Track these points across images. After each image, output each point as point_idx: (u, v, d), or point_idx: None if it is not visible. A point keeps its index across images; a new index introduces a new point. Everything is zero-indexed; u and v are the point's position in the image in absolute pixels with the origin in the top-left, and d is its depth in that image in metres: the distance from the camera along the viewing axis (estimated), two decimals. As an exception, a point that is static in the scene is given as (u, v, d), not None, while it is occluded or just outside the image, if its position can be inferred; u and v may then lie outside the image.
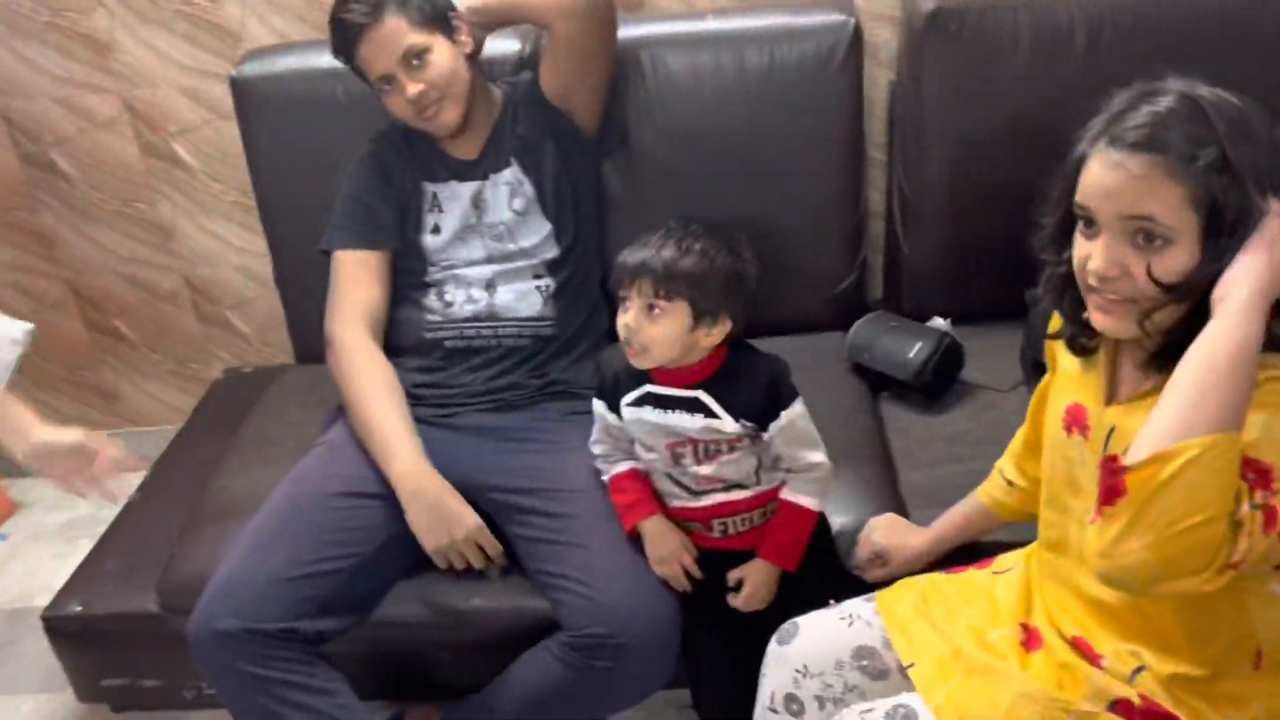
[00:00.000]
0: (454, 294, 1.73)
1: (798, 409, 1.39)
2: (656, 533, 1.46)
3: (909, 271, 2.00)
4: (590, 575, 1.45)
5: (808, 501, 1.43)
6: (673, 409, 1.40)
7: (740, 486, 1.44)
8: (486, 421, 1.65)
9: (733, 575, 1.47)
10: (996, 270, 1.93)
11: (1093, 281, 1.04)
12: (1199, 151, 0.97)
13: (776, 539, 1.44)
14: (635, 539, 1.49)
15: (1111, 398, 1.13)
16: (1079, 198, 1.05)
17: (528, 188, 1.72)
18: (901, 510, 1.64)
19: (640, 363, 1.38)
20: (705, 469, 1.42)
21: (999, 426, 1.72)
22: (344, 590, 1.51)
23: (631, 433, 1.46)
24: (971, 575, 1.34)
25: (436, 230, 1.74)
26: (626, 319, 1.35)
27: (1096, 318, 1.06)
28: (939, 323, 1.94)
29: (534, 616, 1.57)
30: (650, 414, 1.41)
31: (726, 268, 1.36)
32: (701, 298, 1.35)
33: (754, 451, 1.42)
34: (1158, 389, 1.01)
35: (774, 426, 1.38)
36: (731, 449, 1.40)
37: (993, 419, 1.77)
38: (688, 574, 1.46)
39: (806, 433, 1.40)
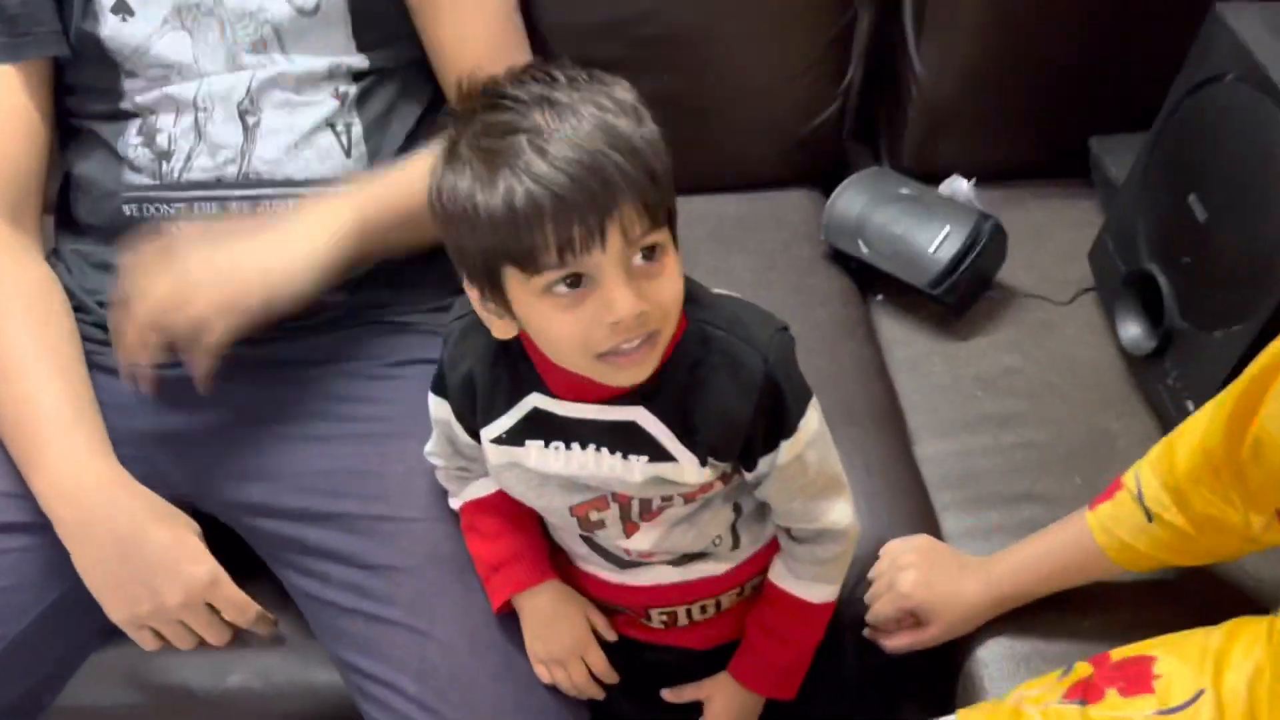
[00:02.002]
0: (174, 133, 0.95)
1: (811, 427, 0.74)
2: (542, 614, 0.83)
3: (922, 103, 1.32)
4: (434, 689, 0.81)
5: (819, 593, 0.82)
6: (585, 442, 0.73)
7: (703, 558, 0.81)
8: (247, 379, 0.92)
9: (684, 695, 0.86)
10: (1053, 105, 1.31)
11: None
12: None
13: (766, 655, 0.84)
14: (511, 616, 0.84)
15: None
16: None
17: None
18: (926, 511, 1.05)
19: (645, 368, 0.67)
20: (642, 540, 0.78)
21: (1062, 364, 1.16)
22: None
23: (503, 483, 0.79)
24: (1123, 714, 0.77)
25: (124, 11, 0.93)
26: (622, 304, 0.62)
27: None
28: (961, 187, 1.29)
29: (333, 699, 0.94)
30: (540, 456, 0.74)
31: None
32: (673, 193, 0.66)
33: (728, 498, 0.78)
34: None
35: (766, 463, 0.74)
36: (689, 501, 0.76)
37: (1049, 351, 1.17)
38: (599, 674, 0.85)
39: (823, 471, 0.77)
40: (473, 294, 0.68)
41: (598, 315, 0.62)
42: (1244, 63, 0.95)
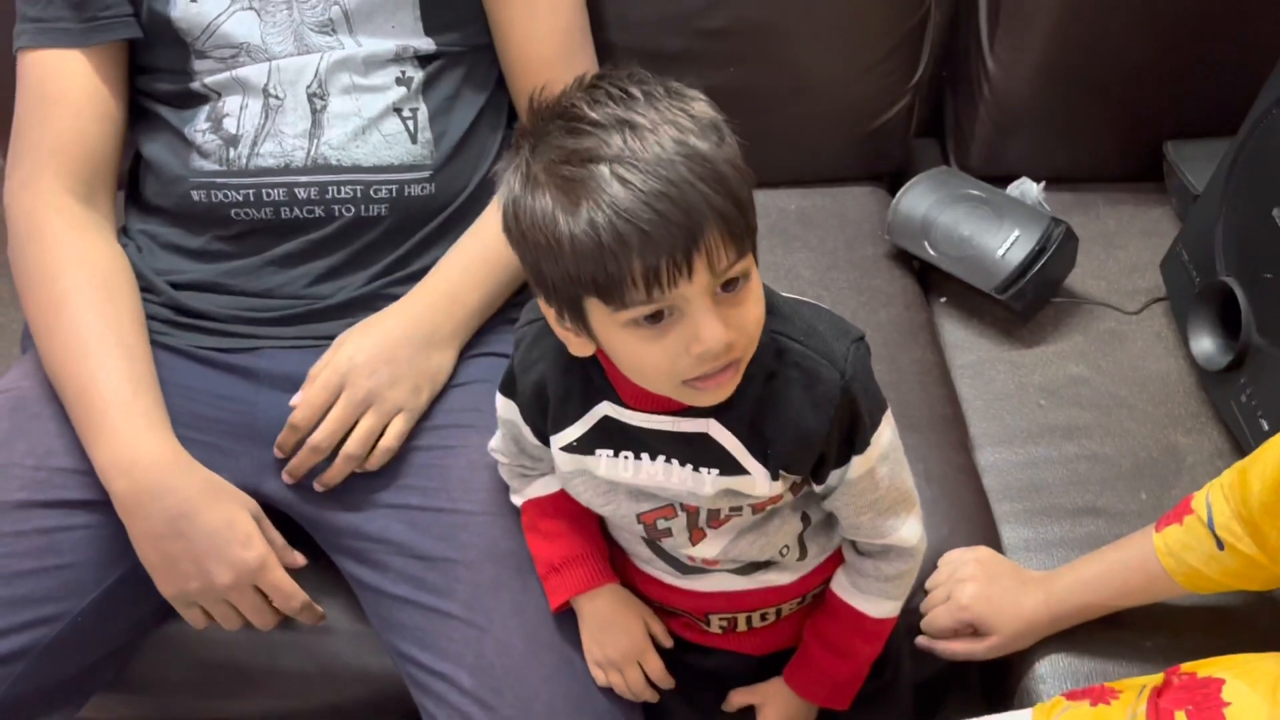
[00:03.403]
0: (242, 119, 0.95)
1: (884, 442, 0.73)
2: (601, 618, 0.83)
3: (992, 102, 1.29)
4: (489, 685, 0.81)
5: (882, 608, 0.81)
6: (655, 453, 0.72)
7: (768, 566, 0.80)
8: (312, 362, 0.92)
9: (736, 699, 0.86)
10: (1129, 107, 1.27)
11: None
12: None
13: (823, 666, 0.83)
14: (569, 615, 0.84)
15: None
16: None
17: None
18: (986, 521, 1.03)
19: (726, 390, 0.66)
20: (708, 548, 0.77)
21: (1130, 376, 1.14)
22: (32, 681, 0.84)
23: (571, 489, 0.78)
24: None
25: None
26: (710, 337, 0.60)
27: None
28: (1030, 190, 1.26)
29: (386, 685, 0.95)
30: (610, 465, 0.74)
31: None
32: (753, 219, 0.64)
33: (796, 508, 0.77)
34: None
35: (836, 477, 0.73)
36: (757, 511, 0.75)
37: (1118, 362, 1.15)
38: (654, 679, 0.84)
39: (894, 486, 0.76)
40: (549, 313, 0.66)
41: (684, 345, 0.61)
42: (1341, 74, 0.91)
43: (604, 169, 0.58)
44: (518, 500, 0.85)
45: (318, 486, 0.89)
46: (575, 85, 0.62)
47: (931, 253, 1.20)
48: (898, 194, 1.24)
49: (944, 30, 1.36)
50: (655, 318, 0.61)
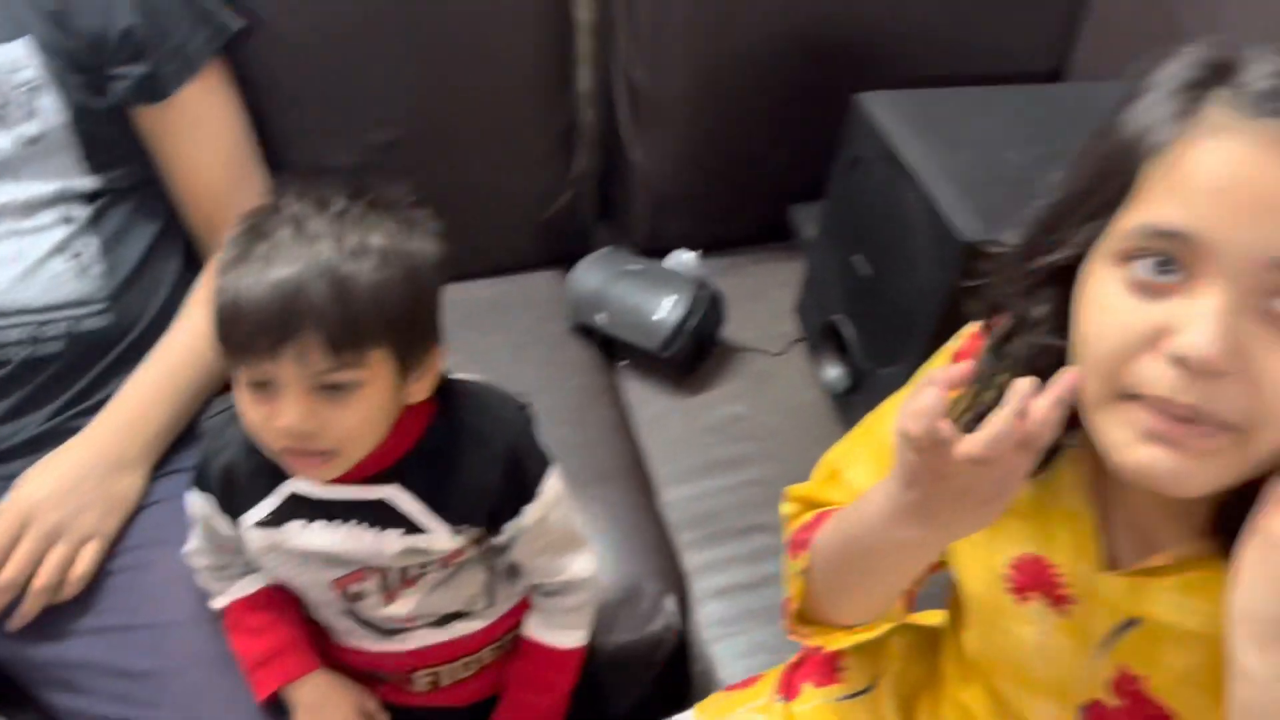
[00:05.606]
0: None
1: (550, 492, 0.85)
2: (312, 705, 0.88)
3: (644, 188, 1.47)
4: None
5: (570, 639, 0.91)
6: (342, 519, 0.81)
7: (462, 616, 0.89)
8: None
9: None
10: (755, 182, 1.49)
11: (1167, 390, 0.52)
12: None
13: (525, 704, 0.92)
14: (281, 706, 0.89)
15: (1114, 561, 0.66)
16: (1161, 216, 0.53)
17: (50, 104, 0.97)
18: (668, 552, 1.17)
19: (325, 474, 0.76)
20: (402, 606, 0.85)
21: (780, 408, 1.31)
22: None
23: (265, 565, 0.85)
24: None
25: None
26: (286, 419, 0.71)
27: (1152, 455, 0.54)
28: (686, 259, 1.44)
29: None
30: (301, 535, 0.81)
31: (432, 264, 0.75)
32: (411, 333, 0.74)
33: (482, 562, 0.87)
34: (1193, 563, 0.61)
35: (512, 527, 0.84)
36: (445, 565, 0.84)
37: (769, 397, 1.33)
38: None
39: (565, 530, 0.87)
40: None
41: (271, 417, 0.71)
42: (880, 145, 1.13)
43: (262, 248, 0.69)
44: (220, 603, 0.90)
45: (13, 625, 0.90)
46: (312, 187, 0.73)
47: (604, 323, 1.35)
48: (570, 275, 1.39)
49: (599, 128, 1.54)
50: (261, 386, 0.71)
